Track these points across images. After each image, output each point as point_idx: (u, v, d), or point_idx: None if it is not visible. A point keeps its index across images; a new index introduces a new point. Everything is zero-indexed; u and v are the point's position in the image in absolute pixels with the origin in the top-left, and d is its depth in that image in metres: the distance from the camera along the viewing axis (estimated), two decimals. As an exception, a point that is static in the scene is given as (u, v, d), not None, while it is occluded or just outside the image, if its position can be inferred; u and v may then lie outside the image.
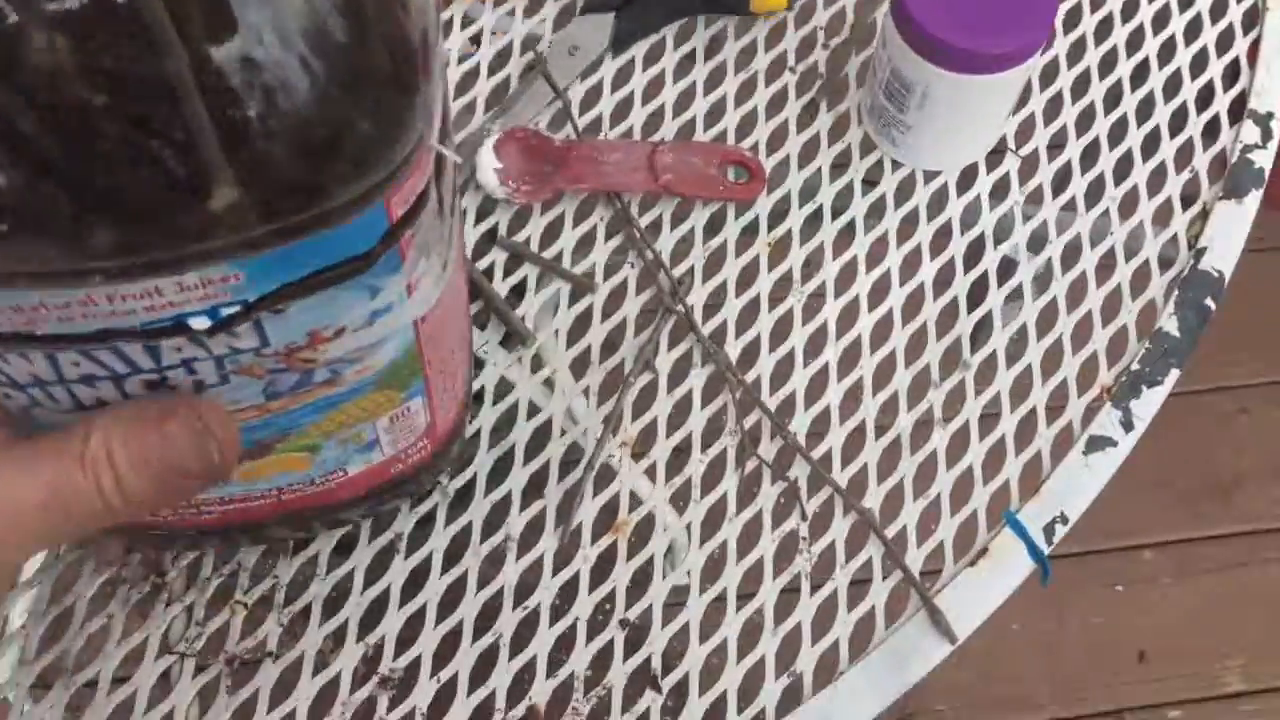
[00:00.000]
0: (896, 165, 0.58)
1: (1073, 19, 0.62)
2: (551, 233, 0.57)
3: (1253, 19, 0.62)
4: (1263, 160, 0.58)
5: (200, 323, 0.30)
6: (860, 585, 0.51)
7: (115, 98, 0.25)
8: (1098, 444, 0.53)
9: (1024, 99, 0.60)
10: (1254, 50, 0.61)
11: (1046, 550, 0.51)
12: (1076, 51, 0.61)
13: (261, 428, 0.37)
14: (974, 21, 0.51)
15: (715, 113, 0.59)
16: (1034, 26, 0.51)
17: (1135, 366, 0.54)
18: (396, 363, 0.37)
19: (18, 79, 0.24)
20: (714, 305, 0.56)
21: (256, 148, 0.26)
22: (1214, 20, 0.62)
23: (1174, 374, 0.54)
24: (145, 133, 0.25)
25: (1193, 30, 0.62)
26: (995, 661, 1.31)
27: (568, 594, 0.50)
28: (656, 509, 0.52)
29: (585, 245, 0.57)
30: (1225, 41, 0.61)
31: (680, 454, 0.53)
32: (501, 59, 0.60)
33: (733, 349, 0.55)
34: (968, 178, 0.58)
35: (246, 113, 0.26)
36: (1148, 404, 0.54)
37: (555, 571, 0.50)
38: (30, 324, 0.29)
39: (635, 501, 0.52)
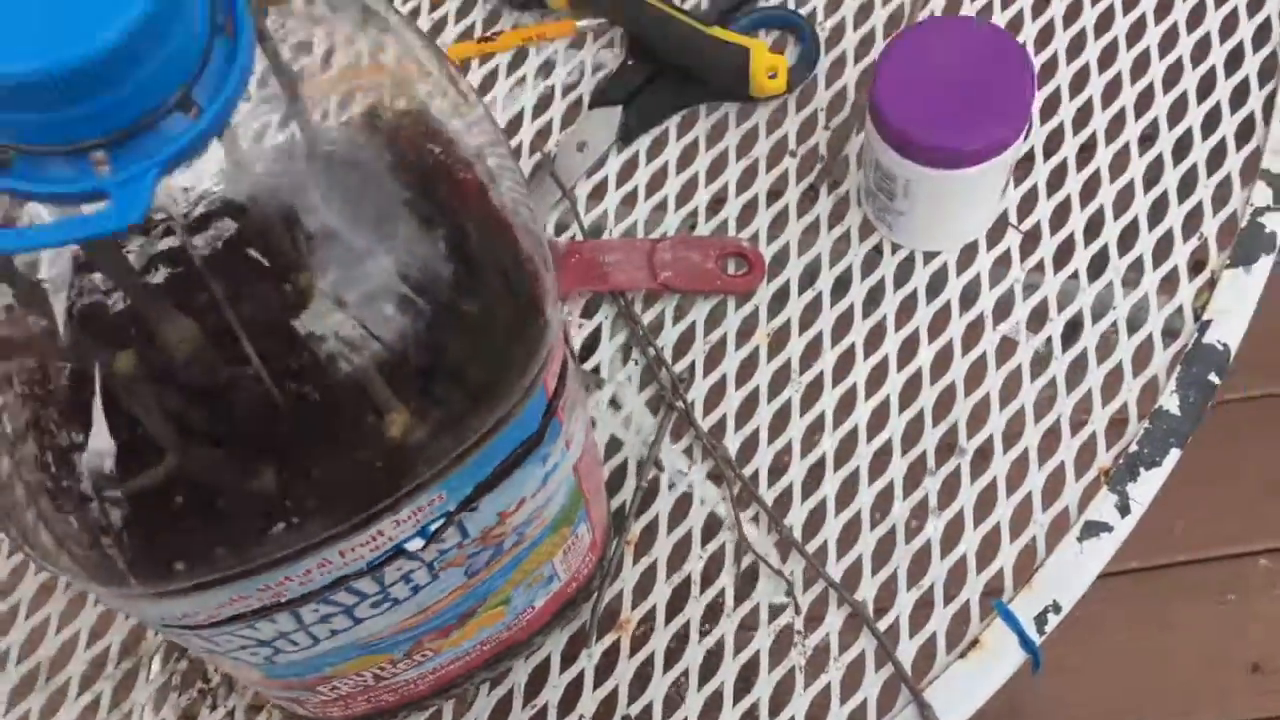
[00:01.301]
0: (896, 247, 0.59)
1: (1079, 80, 0.61)
2: (558, 332, 0.59)
3: (1270, 70, 0.60)
4: (1275, 224, 0.57)
5: (415, 544, 0.34)
6: (853, 678, 0.52)
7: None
8: (1093, 530, 0.53)
9: (1026, 170, 0.60)
10: (1270, 104, 0.59)
11: (1038, 640, 0.51)
12: (1082, 117, 0.61)
13: (465, 601, 0.41)
14: (946, 118, 0.51)
15: (717, 202, 0.61)
16: (1008, 120, 0.51)
17: (1134, 448, 0.54)
18: (564, 506, 0.41)
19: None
20: (714, 399, 0.57)
21: (456, 389, 0.31)
22: (1229, 73, 0.61)
23: (1174, 454, 0.54)
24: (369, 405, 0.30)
25: (1206, 85, 0.61)
26: (1097, 675, 1.29)
27: (572, 694, 0.52)
28: (657, 605, 0.54)
29: (592, 343, 0.59)
30: (1240, 96, 0.60)
31: (680, 549, 0.55)
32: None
33: (732, 442, 0.56)
34: (968, 256, 0.59)
35: (444, 365, 0.31)
36: (1146, 486, 0.53)
37: (562, 669, 0.53)
38: (277, 596, 0.33)
39: (639, 597, 0.54)
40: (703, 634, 0.53)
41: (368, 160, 0.30)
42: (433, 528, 0.35)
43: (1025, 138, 0.53)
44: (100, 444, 0.28)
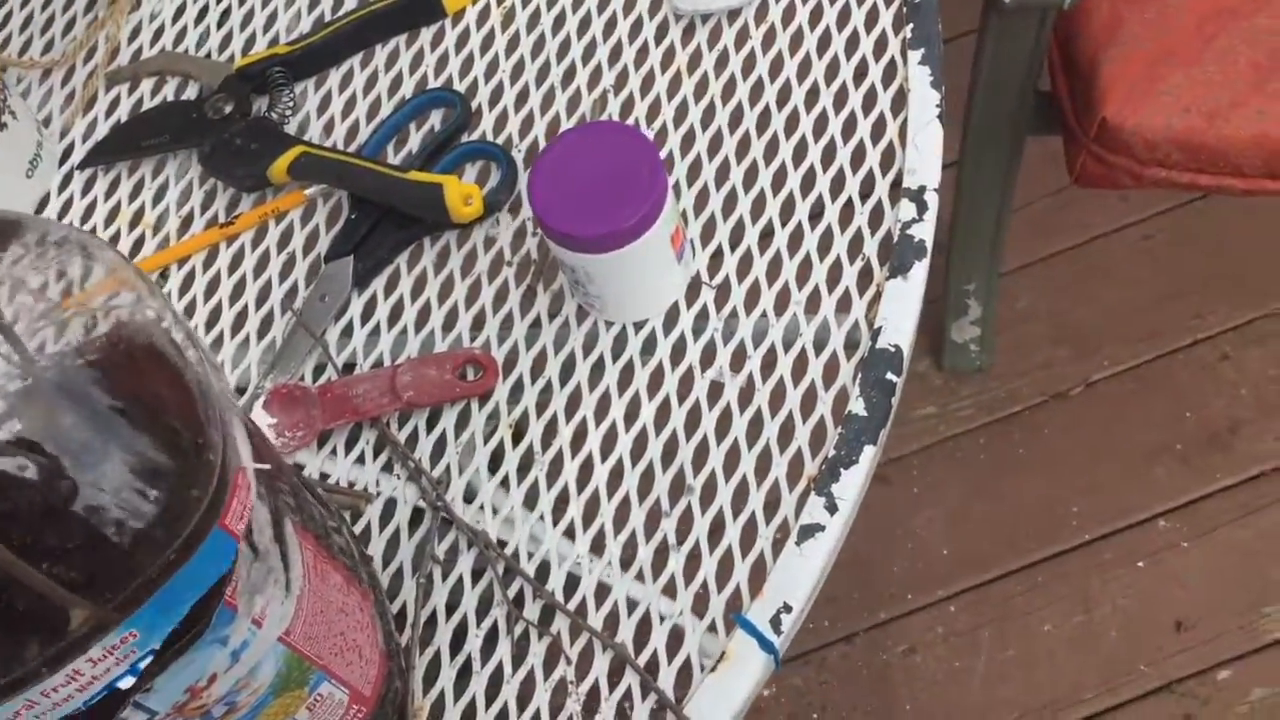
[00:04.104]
0: (610, 325, 0.66)
1: (743, 149, 0.69)
2: (331, 465, 0.66)
3: (900, 102, 0.68)
4: (922, 233, 0.64)
5: (127, 682, 0.38)
6: (624, 713, 0.58)
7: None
8: (808, 532, 0.59)
9: (711, 233, 0.68)
10: (903, 132, 0.67)
11: (777, 641, 0.57)
12: (750, 177, 0.69)
13: None
14: (589, 210, 0.59)
15: (450, 322, 0.68)
16: (642, 202, 0.59)
17: (831, 452, 0.61)
18: (282, 673, 0.44)
19: None
20: (473, 489, 0.64)
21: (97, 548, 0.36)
22: (866, 113, 0.69)
23: (869, 450, 0.60)
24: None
25: (849, 128, 0.69)
26: (1034, 666, 1.33)
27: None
28: (445, 689, 0.60)
29: (359, 467, 0.66)
30: (879, 131, 0.68)
31: (459, 635, 0.61)
32: (267, 323, 0.70)
33: (492, 527, 0.63)
34: (672, 318, 0.66)
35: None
36: (848, 485, 0.60)
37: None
38: None
39: (427, 685, 0.60)
40: (488, 704, 0.59)
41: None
42: (141, 666, 0.38)
43: (661, 212, 0.61)
44: None
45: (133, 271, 0.41)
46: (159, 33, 0.79)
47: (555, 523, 0.62)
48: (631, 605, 0.60)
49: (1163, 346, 1.45)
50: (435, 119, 0.73)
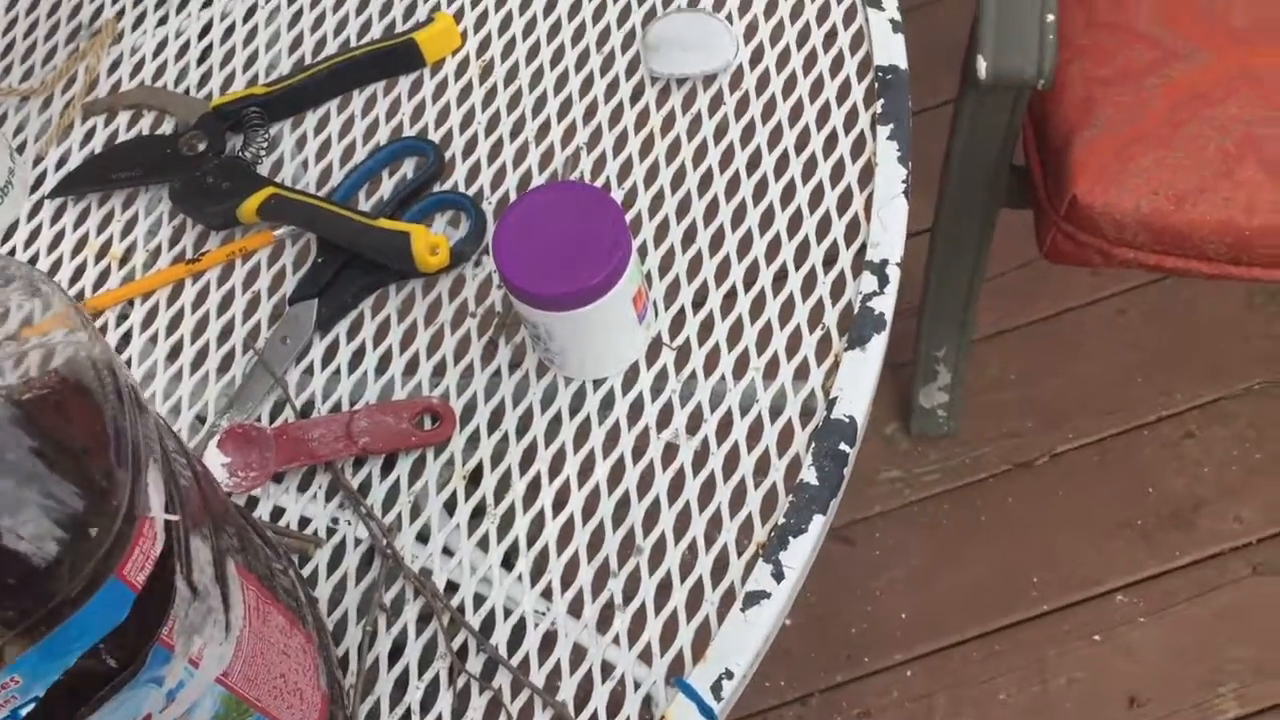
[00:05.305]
0: (569, 380, 0.66)
1: (711, 213, 0.70)
2: (282, 506, 0.66)
3: (868, 175, 0.69)
4: (882, 306, 0.65)
5: None
6: (560, 772, 0.58)
7: None
8: (753, 599, 0.59)
9: (675, 294, 0.68)
10: (869, 205, 0.68)
11: (716, 706, 0.57)
12: (716, 241, 0.69)
13: None
14: (552, 269, 0.59)
15: (411, 369, 0.68)
16: (604, 264, 0.59)
17: (781, 520, 0.61)
18: (219, 714, 0.44)
19: None
20: (423, 538, 0.64)
21: None
22: (834, 184, 0.70)
23: (818, 519, 0.61)
24: None
25: (816, 198, 0.69)
26: (987, 736, 1.33)
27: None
28: (383, 738, 0.60)
29: (312, 510, 0.65)
30: (845, 202, 0.69)
31: (400, 685, 0.61)
32: (227, 361, 0.70)
33: (440, 577, 0.63)
34: (631, 377, 0.66)
35: None
36: (795, 553, 0.60)
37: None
38: None
39: (366, 736, 0.60)
40: (426, 756, 0.59)
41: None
42: (23, 713, 0.37)
43: (624, 277, 0.61)
44: None
45: (70, 306, 0.41)
46: (139, 66, 0.79)
47: (503, 577, 0.62)
48: (575, 664, 0.60)
49: (1129, 421, 1.46)
50: (408, 167, 0.74)
